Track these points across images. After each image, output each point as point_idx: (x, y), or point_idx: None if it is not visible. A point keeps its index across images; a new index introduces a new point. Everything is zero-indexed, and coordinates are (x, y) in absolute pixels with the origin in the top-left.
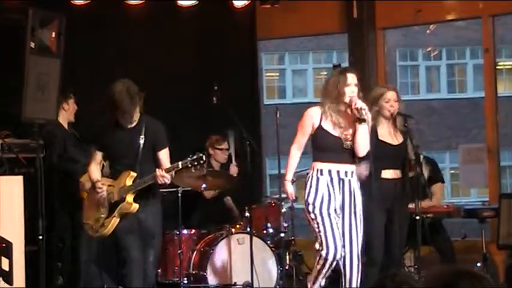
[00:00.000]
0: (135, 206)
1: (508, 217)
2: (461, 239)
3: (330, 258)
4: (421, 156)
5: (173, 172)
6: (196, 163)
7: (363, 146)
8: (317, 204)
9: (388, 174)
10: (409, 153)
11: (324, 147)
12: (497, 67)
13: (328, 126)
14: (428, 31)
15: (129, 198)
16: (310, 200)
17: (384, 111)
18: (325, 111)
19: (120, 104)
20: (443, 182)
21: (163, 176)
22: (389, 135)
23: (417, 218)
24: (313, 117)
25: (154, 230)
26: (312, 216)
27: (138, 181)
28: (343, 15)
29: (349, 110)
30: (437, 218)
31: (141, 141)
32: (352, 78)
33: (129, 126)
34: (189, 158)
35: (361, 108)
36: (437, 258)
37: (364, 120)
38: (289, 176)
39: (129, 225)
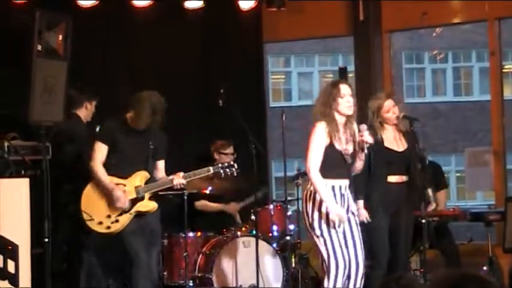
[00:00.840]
0: (155, 206)
1: None
2: (467, 243)
3: (341, 269)
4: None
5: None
6: (218, 170)
7: (360, 169)
8: (323, 220)
9: (393, 179)
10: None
11: (330, 163)
12: (504, 70)
13: (334, 140)
14: (434, 34)
15: (147, 197)
16: (315, 217)
17: (388, 121)
18: (329, 125)
19: (141, 113)
20: (447, 186)
21: (180, 182)
22: (394, 140)
23: (423, 221)
24: (324, 133)
25: (158, 229)
26: (318, 232)
27: (157, 182)
28: (349, 18)
29: (346, 124)
30: (443, 222)
31: (152, 146)
32: (345, 88)
33: (140, 129)
34: (214, 166)
35: (366, 142)
36: (442, 261)
37: (364, 151)
38: (331, 202)
39: (138, 226)
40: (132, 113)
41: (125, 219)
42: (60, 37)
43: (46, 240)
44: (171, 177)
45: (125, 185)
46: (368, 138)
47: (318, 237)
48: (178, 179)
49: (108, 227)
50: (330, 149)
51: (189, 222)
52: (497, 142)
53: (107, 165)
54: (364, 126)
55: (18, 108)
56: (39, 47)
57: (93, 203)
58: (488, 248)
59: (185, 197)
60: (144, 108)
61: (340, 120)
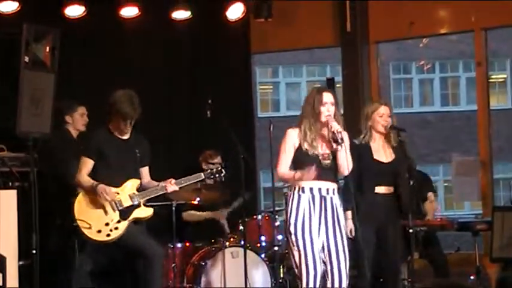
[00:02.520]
0: (151, 212)
1: (501, 230)
2: (454, 252)
3: (311, 283)
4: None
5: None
6: (211, 176)
7: (344, 167)
8: (298, 227)
9: (380, 190)
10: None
11: (303, 166)
12: (490, 80)
13: (306, 145)
14: (421, 44)
15: (143, 203)
16: (292, 221)
17: (378, 126)
18: (302, 130)
19: (122, 110)
20: (434, 191)
21: (174, 189)
22: (382, 151)
23: (411, 231)
24: (293, 138)
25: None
26: (293, 238)
27: (151, 189)
28: (337, 29)
29: (325, 130)
30: (431, 231)
31: (138, 154)
32: (328, 97)
33: (124, 138)
34: (205, 172)
35: (337, 131)
36: (431, 271)
37: (339, 143)
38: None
39: (139, 227)
40: (112, 117)
41: (124, 225)
42: (48, 49)
43: (34, 251)
44: (163, 183)
45: (118, 193)
46: (336, 127)
47: (292, 244)
48: (172, 186)
49: (108, 235)
50: (302, 153)
51: (177, 233)
52: (484, 152)
53: (97, 177)
54: (331, 118)
55: (5, 120)
56: (27, 59)
57: (88, 211)
58: (475, 258)
59: (173, 208)
60: (124, 107)
61: (319, 126)
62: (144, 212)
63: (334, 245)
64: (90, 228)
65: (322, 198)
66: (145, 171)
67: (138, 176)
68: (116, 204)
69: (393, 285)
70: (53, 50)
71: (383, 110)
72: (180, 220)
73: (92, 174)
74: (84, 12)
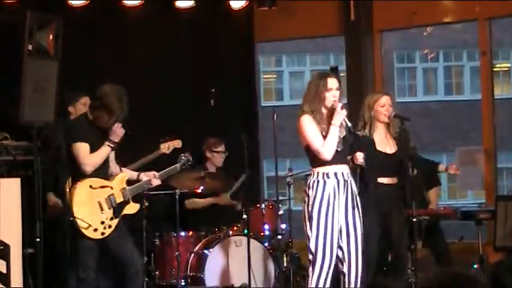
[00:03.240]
0: (137, 207)
1: (505, 219)
2: (458, 241)
3: (326, 267)
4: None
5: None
6: (184, 167)
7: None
8: (322, 214)
9: (384, 180)
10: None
11: (313, 149)
12: (494, 69)
13: (322, 131)
14: (425, 33)
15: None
16: (316, 207)
17: (380, 116)
18: (313, 117)
19: (111, 107)
20: (439, 184)
21: (157, 183)
22: (385, 141)
23: (414, 220)
24: (310, 120)
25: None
26: (315, 224)
27: (138, 184)
28: (341, 18)
29: (330, 115)
30: (434, 220)
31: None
32: (333, 82)
33: (103, 129)
34: (178, 164)
35: (344, 119)
36: (433, 260)
37: (349, 128)
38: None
39: (123, 229)
40: (98, 110)
41: (115, 222)
42: (51, 37)
43: (38, 240)
44: (147, 178)
45: (112, 188)
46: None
47: (311, 227)
48: (156, 180)
49: (103, 233)
50: None
51: (180, 221)
52: (488, 141)
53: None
54: (337, 102)
55: (9, 108)
56: (30, 47)
57: (85, 207)
58: (478, 247)
59: (177, 197)
60: (113, 103)
61: (325, 111)
62: (133, 208)
63: (354, 231)
64: (87, 228)
65: (345, 182)
66: (112, 156)
67: (117, 169)
68: (111, 200)
69: (398, 275)
70: (57, 38)
71: (384, 100)
72: (182, 208)
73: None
74: (87, 1)
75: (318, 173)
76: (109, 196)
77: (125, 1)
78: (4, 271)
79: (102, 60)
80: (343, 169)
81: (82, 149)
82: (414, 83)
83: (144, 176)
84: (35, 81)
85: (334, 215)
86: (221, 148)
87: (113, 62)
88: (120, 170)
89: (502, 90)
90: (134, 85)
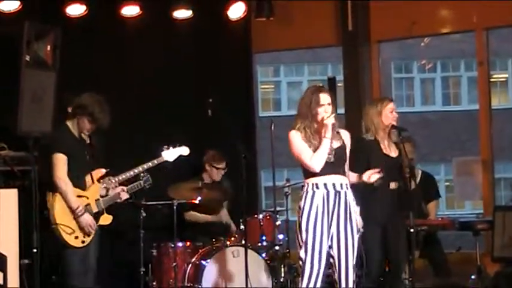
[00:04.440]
0: (110, 218)
1: (502, 229)
2: (455, 251)
3: (312, 283)
4: (419, 171)
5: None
6: (147, 184)
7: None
8: (310, 225)
9: (391, 185)
10: (404, 166)
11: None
12: (492, 80)
13: (310, 146)
14: (423, 44)
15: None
16: (304, 218)
17: (388, 121)
18: (300, 130)
19: (95, 115)
20: (438, 197)
21: (126, 197)
22: (388, 146)
23: (411, 230)
24: (298, 136)
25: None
26: (303, 235)
27: (110, 196)
28: (338, 28)
29: (321, 129)
30: (431, 231)
31: (96, 157)
32: (325, 98)
33: (85, 139)
34: (141, 181)
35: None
36: (431, 271)
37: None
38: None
39: (96, 243)
40: (80, 119)
41: (93, 232)
42: (49, 47)
43: (35, 250)
44: (117, 191)
45: (87, 198)
46: (328, 121)
47: (301, 239)
48: (124, 194)
49: (83, 241)
50: None
51: (178, 231)
52: (486, 151)
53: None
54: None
55: (6, 119)
56: (28, 57)
57: (66, 215)
58: (476, 257)
59: (174, 207)
60: (97, 112)
61: (316, 126)
62: (107, 220)
63: (344, 241)
64: (72, 233)
65: (337, 193)
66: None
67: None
68: (89, 210)
69: (394, 283)
70: (54, 49)
71: (392, 105)
72: (181, 219)
73: None
74: (85, 11)
75: (308, 184)
76: (85, 206)
77: (123, 11)
78: (1, 282)
79: (100, 70)
80: (335, 180)
81: (60, 161)
82: (412, 93)
83: (113, 190)
84: (32, 92)
85: (323, 225)
86: (222, 165)
87: (111, 71)
88: (92, 181)
89: (500, 101)
90: (132, 94)
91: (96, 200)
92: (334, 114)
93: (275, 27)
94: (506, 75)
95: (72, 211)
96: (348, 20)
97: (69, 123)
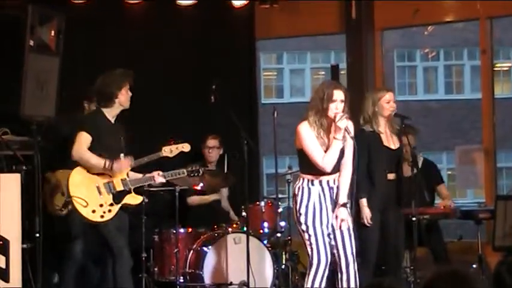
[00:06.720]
0: (140, 199)
1: (504, 219)
2: (457, 240)
3: (322, 267)
4: (421, 158)
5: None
6: (192, 174)
7: (347, 164)
8: (309, 216)
9: (389, 176)
10: (405, 154)
11: (313, 162)
12: (495, 68)
13: (318, 140)
14: (426, 32)
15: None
16: (302, 211)
17: (385, 112)
18: (311, 124)
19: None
20: (442, 182)
21: (161, 181)
22: (388, 137)
23: (413, 219)
24: (309, 130)
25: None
26: (303, 227)
27: (141, 178)
28: (342, 16)
29: (331, 125)
30: (433, 219)
31: (122, 138)
32: (338, 94)
33: (113, 122)
34: (187, 169)
35: (345, 129)
36: (432, 259)
37: (346, 139)
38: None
39: (121, 220)
40: (113, 98)
41: (116, 209)
42: (53, 32)
43: (37, 235)
44: (152, 174)
45: (111, 176)
46: (344, 124)
47: (303, 232)
48: (159, 178)
49: (102, 216)
50: None
51: (180, 218)
52: (488, 140)
53: None
54: (339, 114)
55: (9, 103)
56: (32, 42)
57: (82, 189)
58: (478, 246)
59: (177, 193)
60: (125, 87)
61: (326, 121)
62: (134, 199)
63: (340, 235)
64: (86, 206)
65: (331, 188)
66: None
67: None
68: (110, 186)
69: (395, 272)
70: (58, 34)
71: (389, 96)
72: (183, 205)
73: None
74: None
75: (303, 178)
76: (108, 182)
77: None
78: (3, 266)
79: (103, 57)
80: (329, 177)
81: (83, 139)
82: (414, 82)
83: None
84: (36, 77)
85: (322, 220)
86: (212, 143)
87: (113, 59)
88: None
89: (503, 90)
90: (135, 80)
91: (122, 179)
92: (346, 115)
93: (278, 14)
94: (509, 64)
95: (105, 169)
96: (352, 8)
97: (104, 109)
